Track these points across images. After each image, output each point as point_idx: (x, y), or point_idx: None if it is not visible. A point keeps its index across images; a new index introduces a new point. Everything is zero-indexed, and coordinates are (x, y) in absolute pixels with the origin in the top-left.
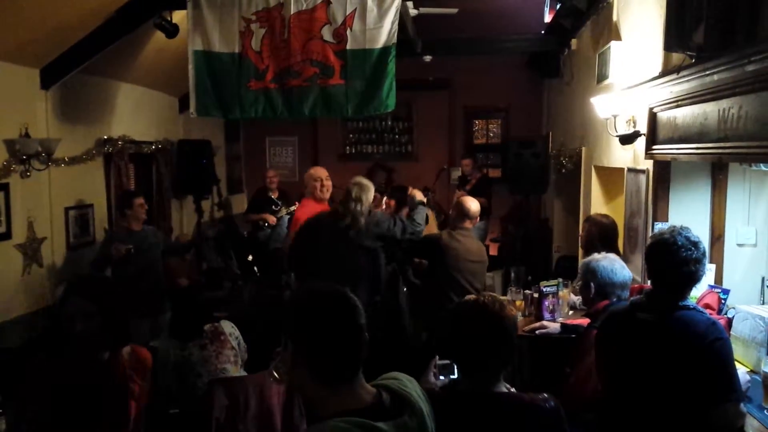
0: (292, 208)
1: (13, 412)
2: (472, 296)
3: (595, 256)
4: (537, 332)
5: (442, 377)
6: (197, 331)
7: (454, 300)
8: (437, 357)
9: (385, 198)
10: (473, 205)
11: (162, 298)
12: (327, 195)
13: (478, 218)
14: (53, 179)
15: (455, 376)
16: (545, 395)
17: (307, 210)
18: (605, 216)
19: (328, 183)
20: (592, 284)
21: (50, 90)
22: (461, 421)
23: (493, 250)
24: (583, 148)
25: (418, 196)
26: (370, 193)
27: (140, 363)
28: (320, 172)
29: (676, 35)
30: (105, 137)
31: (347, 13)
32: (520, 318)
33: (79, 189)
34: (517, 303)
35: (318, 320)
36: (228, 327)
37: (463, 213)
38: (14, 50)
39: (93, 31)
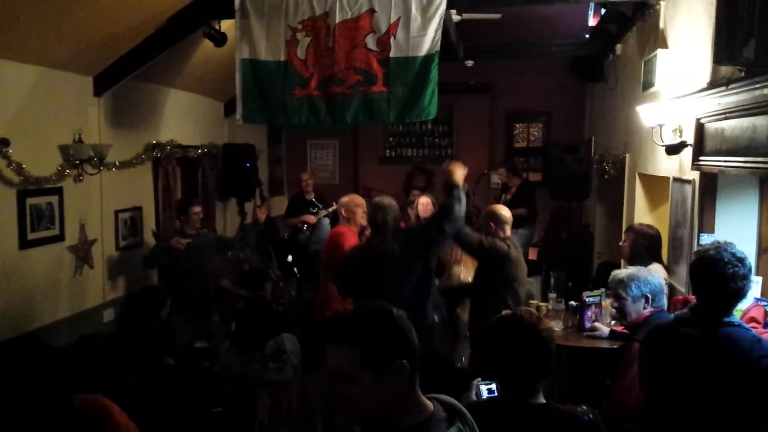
0: (331, 209)
1: None
2: (509, 311)
3: (630, 269)
4: (586, 334)
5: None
6: (261, 344)
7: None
8: (479, 378)
9: (419, 198)
10: (504, 210)
11: (210, 301)
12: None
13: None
14: (104, 183)
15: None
16: (584, 407)
17: (350, 239)
18: (650, 226)
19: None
20: (649, 295)
21: (102, 97)
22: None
23: (533, 255)
24: (627, 155)
25: (457, 170)
26: (394, 209)
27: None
28: (360, 199)
29: (726, 49)
30: (154, 142)
31: (391, 21)
32: (561, 328)
33: (129, 192)
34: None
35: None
36: (290, 344)
37: (502, 220)
38: (69, 59)
39: (144, 40)
